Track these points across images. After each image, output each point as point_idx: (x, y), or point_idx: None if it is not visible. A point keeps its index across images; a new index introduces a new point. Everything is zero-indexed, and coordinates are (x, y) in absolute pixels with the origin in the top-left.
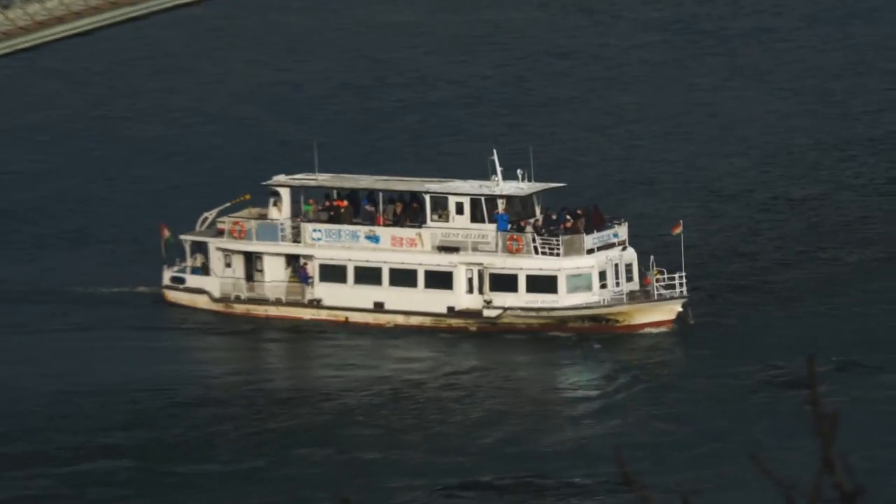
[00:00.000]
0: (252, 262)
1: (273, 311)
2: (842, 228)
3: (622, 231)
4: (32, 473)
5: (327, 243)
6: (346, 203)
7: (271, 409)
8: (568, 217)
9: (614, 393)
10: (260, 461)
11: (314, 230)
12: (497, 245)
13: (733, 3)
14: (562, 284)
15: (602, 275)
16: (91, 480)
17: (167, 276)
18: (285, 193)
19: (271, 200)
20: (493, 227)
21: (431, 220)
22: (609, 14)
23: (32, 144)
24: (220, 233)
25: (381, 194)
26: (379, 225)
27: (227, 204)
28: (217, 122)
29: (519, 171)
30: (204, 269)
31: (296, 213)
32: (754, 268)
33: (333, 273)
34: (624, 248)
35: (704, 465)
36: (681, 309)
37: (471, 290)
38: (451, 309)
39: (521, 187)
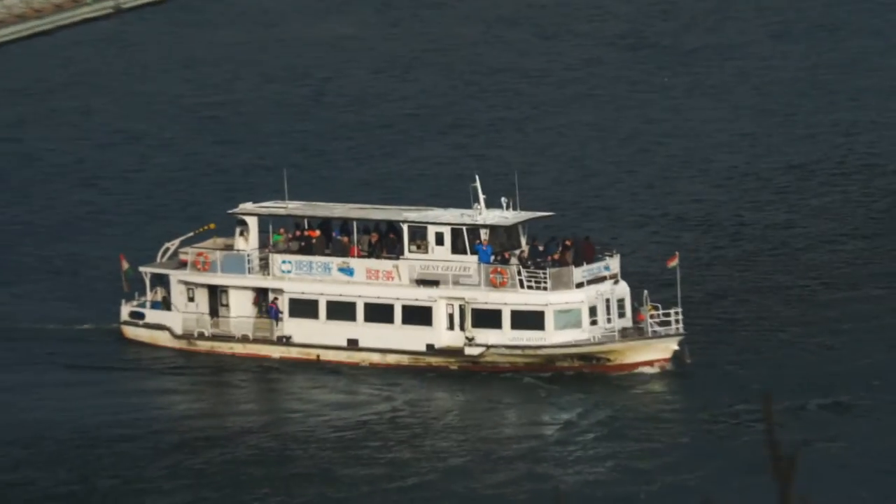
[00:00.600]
0: (217, 296)
1: (239, 348)
2: (836, 257)
3: (614, 263)
4: None
5: (298, 276)
6: (318, 233)
7: (234, 455)
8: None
9: (603, 439)
10: None
11: (283, 262)
12: (480, 278)
13: (690, 19)
14: (549, 321)
15: (592, 310)
16: None
17: (125, 311)
18: (253, 222)
19: (238, 230)
20: (475, 258)
21: (409, 251)
22: (559, 29)
23: None
24: (182, 264)
25: (355, 223)
26: (353, 256)
27: (191, 233)
28: (143, 143)
29: (503, 200)
30: (165, 304)
31: (264, 244)
32: (752, 301)
33: (304, 308)
34: (616, 282)
35: None
36: (677, 347)
37: (451, 327)
38: (430, 347)
39: (505, 216)
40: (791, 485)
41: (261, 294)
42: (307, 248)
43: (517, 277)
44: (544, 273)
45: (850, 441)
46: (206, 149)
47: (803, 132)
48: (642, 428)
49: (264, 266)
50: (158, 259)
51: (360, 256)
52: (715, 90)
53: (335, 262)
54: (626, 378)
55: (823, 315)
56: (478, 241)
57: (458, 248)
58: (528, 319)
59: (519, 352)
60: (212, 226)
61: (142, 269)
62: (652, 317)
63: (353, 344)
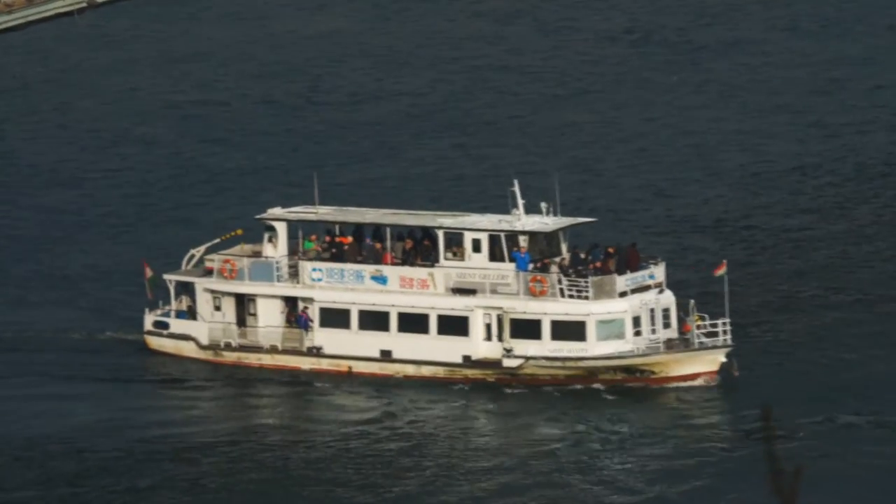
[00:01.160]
0: (244, 304)
1: (267, 359)
2: (879, 261)
3: (659, 272)
4: None
5: (328, 284)
6: (350, 239)
7: (262, 472)
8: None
9: (649, 459)
10: None
11: (314, 269)
12: (518, 287)
13: (698, 14)
14: (591, 331)
15: (636, 321)
16: None
17: (149, 320)
18: (281, 228)
19: (266, 236)
20: (513, 266)
21: (445, 258)
22: (562, 25)
23: None
24: (208, 272)
25: (388, 229)
26: (386, 264)
27: (217, 240)
28: (125, 144)
29: (543, 205)
30: (190, 313)
31: (293, 251)
32: (803, 311)
33: (335, 317)
34: (661, 291)
35: None
36: (724, 359)
37: (489, 338)
38: (466, 358)
39: (545, 222)
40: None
41: (290, 303)
42: (338, 255)
43: (558, 286)
44: (586, 281)
45: None
46: (224, 152)
47: (855, 139)
48: (687, 444)
49: (294, 274)
50: (183, 266)
51: (393, 264)
52: (747, 92)
53: (368, 269)
54: (671, 392)
55: (880, 327)
56: (515, 248)
57: (495, 256)
58: (569, 330)
59: (559, 364)
60: (239, 232)
61: (166, 276)
62: (698, 327)
63: (386, 355)
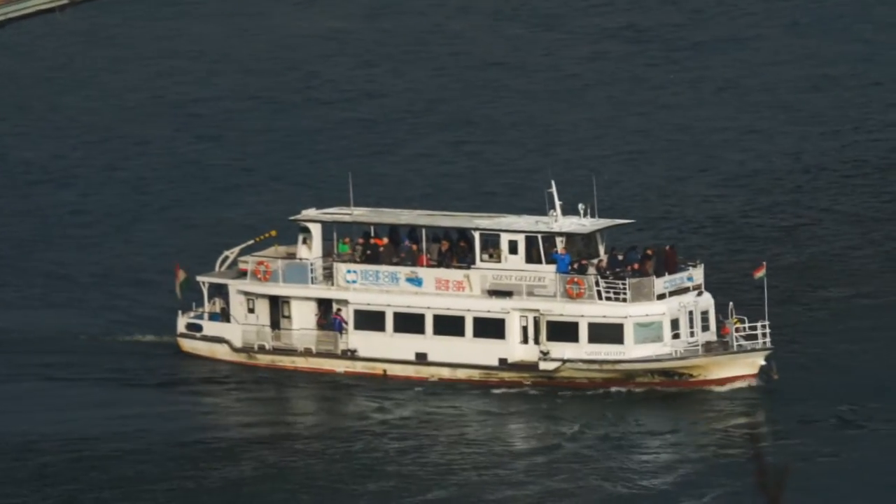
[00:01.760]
0: (278, 307)
1: (302, 362)
2: None
3: (697, 274)
4: None
5: (363, 286)
6: (385, 241)
7: (295, 475)
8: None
9: (686, 462)
10: None
11: (348, 271)
12: (555, 289)
13: (695, 11)
14: (629, 334)
15: (674, 323)
16: None
17: (182, 322)
18: (316, 229)
19: (300, 237)
20: (550, 268)
21: (481, 260)
22: (561, 22)
23: None
24: (242, 274)
25: (424, 231)
26: (422, 266)
27: (251, 241)
28: (115, 141)
29: (580, 206)
30: (224, 315)
31: (328, 252)
32: (842, 312)
33: (370, 320)
34: (699, 294)
35: None
36: (764, 362)
37: (525, 340)
38: (502, 361)
39: (583, 224)
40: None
41: (322, 307)
42: (373, 257)
43: (595, 288)
44: (624, 283)
45: None
46: (217, 150)
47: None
48: (726, 447)
49: (328, 276)
50: (217, 268)
51: (429, 266)
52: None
53: (403, 271)
54: (710, 395)
55: None
56: (554, 250)
57: (532, 257)
58: (607, 332)
59: (596, 367)
60: (273, 233)
61: (199, 278)
62: (737, 330)
63: (421, 358)
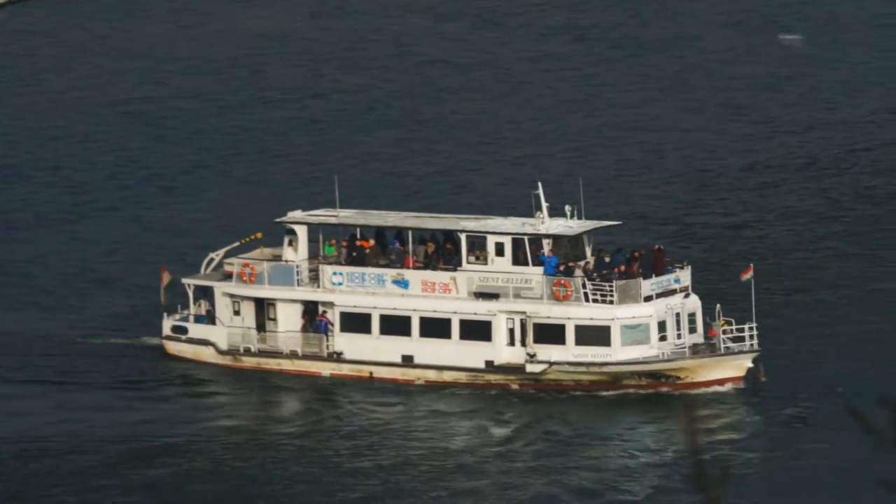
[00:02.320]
0: (264, 309)
1: (287, 365)
2: None
3: (684, 276)
4: None
5: (349, 288)
6: (372, 243)
7: (283, 479)
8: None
9: (672, 465)
10: None
11: (334, 273)
12: (542, 291)
13: (635, 12)
14: (616, 336)
15: (661, 325)
16: None
17: (168, 325)
18: (302, 231)
19: (286, 240)
20: (537, 270)
21: (468, 262)
22: (505, 21)
23: None
24: (227, 276)
25: (410, 233)
26: (408, 268)
27: (237, 243)
28: (59, 141)
29: (567, 208)
30: (209, 318)
31: (314, 254)
32: (832, 313)
33: (356, 322)
34: (686, 296)
35: None
36: (751, 364)
37: (512, 343)
38: (489, 363)
39: (569, 226)
40: (719, 500)
41: (307, 312)
42: (359, 259)
43: (582, 290)
44: (611, 286)
45: None
46: (167, 150)
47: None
48: (713, 450)
49: (314, 278)
50: (202, 270)
51: (415, 268)
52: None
53: (389, 273)
54: (697, 397)
55: None
56: (540, 252)
57: (518, 259)
58: (594, 335)
59: (583, 369)
60: (259, 235)
61: (185, 280)
62: (725, 332)
63: (407, 360)
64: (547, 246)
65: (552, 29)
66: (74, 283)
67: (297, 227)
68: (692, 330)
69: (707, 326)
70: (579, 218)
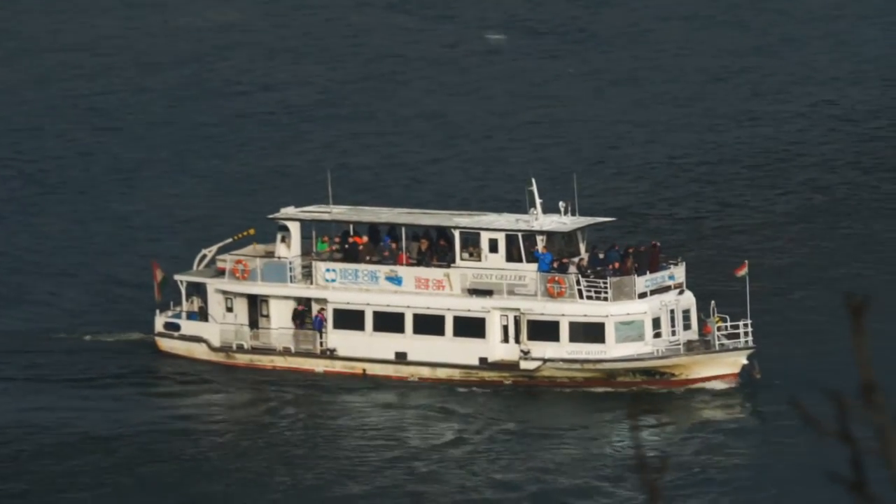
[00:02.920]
0: (257, 306)
1: (280, 362)
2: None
3: (679, 272)
4: None
5: (342, 285)
6: (365, 239)
7: (276, 478)
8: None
9: (664, 462)
10: None
11: (328, 270)
12: (536, 288)
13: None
14: (610, 333)
15: (656, 322)
16: None
17: (160, 321)
18: (294, 228)
19: (279, 236)
20: (531, 267)
21: (461, 258)
22: (444, 13)
23: None
24: (220, 272)
25: (403, 229)
26: (401, 264)
27: (229, 240)
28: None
29: (561, 204)
30: (201, 315)
31: (307, 251)
32: (827, 310)
33: (349, 319)
34: (681, 292)
35: None
36: (746, 361)
37: (506, 339)
38: (483, 360)
39: (563, 222)
40: (658, 497)
41: (303, 304)
42: (352, 256)
43: (576, 287)
44: (605, 282)
45: None
46: (125, 144)
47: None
48: (707, 448)
49: (307, 274)
50: (195, 267)
51: (408, 264)
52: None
53: (382, 270)
54: (692, 394)
55: None
56: (534, 248)
57: (512, 256)
58: (588, 332)
59: (577, 366)
60: (251, 231)
61: (177, 277)
62: (719, 329)
63: (401, 357)
64: (541, 242)
65: (504, 21)
66: (64, 280)
67: (289, 224)
68: (687, 327)
69: (702, 323)
70: (573, 214)
